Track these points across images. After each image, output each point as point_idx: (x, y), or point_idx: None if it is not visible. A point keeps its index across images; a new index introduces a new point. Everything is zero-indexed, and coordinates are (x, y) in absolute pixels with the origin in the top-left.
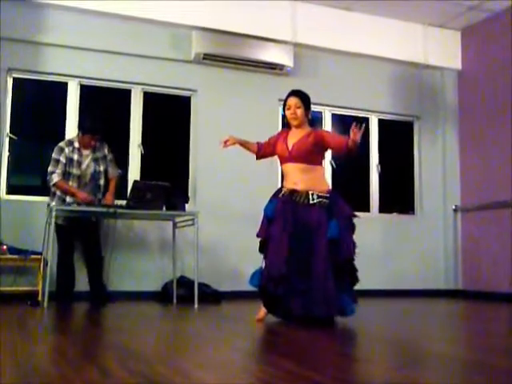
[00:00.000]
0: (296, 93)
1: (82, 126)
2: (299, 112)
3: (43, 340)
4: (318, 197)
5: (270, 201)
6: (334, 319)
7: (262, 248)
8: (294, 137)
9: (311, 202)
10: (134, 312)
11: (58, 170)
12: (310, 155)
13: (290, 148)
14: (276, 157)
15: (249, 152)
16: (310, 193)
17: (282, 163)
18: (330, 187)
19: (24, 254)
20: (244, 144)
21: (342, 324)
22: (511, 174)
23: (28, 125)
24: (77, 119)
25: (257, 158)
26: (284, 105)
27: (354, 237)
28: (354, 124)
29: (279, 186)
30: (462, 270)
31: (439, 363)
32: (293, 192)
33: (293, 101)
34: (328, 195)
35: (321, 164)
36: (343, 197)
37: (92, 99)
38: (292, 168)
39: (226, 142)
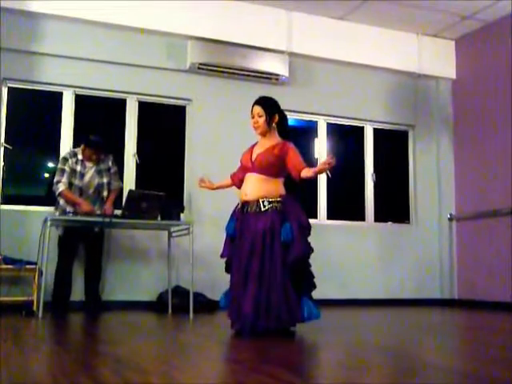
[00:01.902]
0: (259, 101)
1: (87, 139)
2: (261, 120)
3: (38, 350)
4: (270, 202)
5: (231, 218)
6: (295, 329)
7: (228, 268)
8: (260, 147)
9: (262, 209)
10: (129, 322)
11: (64, 180)
12: (273, 168)
13: (253, 158)
14: None
15: (230, 189)
16: (261, 200)
17: (245, 173)
18: (284, 193)
19: (19, 263)
20: (220, 186)
21: (338, 334)
22: (506, 183)
23: (23, 134)
24: (72, 129)
25: (239, 188)
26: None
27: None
28: (329, 157)
29: None
30: (457, 278)
31: (435, 373)
32: (244, 204)
33: (255, 109)
34: (280, 199)
35: (283, 177)
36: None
37: (87, 109)
38: (251, 178)
39: (201, 182)
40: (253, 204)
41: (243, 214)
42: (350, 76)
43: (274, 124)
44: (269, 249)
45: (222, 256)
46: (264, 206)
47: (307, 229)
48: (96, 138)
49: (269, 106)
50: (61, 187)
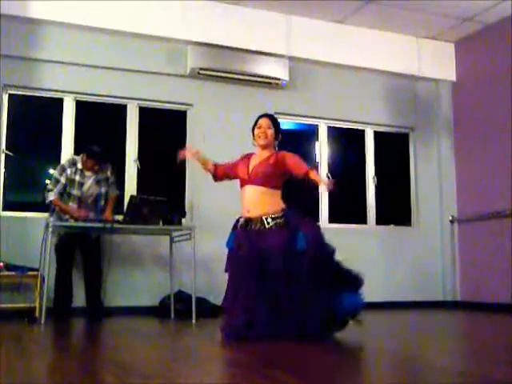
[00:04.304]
0: (267, 115)
1: (89, 150)
2: (269, 132)
3: (40, 356)
4: (273, 219)
5: (231, 233)
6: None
7: None
8: (257, 159)
9: (267, 226)
10: (132, 327)
11: (56, 190)
12: (270, 178)
13: (250, 170)
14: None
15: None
16: (264, 218)
17: (241, 186)
18: (284, 206)
19: (21, 270)
20: (203, 162)
21: (339, 336)
22: (507, 184)
23: (24, 141)
24: (73, 135)
25: (215, 179)
26: (254, 125)
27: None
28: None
29: None
30: (459, 280)
31: (437, 375)
32: (247, 221)
33: (265, 121)
34: (282, 214)
35: (279, 189)
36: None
37: (88, 115)
38: (249, 191)
39: (184, 153)
40: (256, 221)
41: (246, 231)
42: (350, 79)
43: (277, 141)
44: (286, 267)
45: (226, 271)
46: (268, 224)
47: (319, 228)
48: (97, 148)
49: (277, 122)
50: (50, 196)
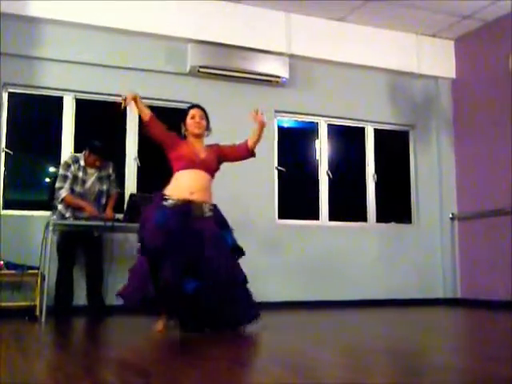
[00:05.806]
0: (200, 106)
1: (91, 144)
2: (204, 123)
3: (41, 355)
4: (209, 209)
5: (158, 208)
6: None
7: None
8: (201, 147)
9: (205, 215)
10: (131, 325)
11: (66, 186)
12: (214, 168)
13: (203, 156)
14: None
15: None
16: (204, 205)
17: (184, 168)
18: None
19: (21, 269)
20: (141, 109)
21: (341, 335)
22: (507, 182)
23: (24, 139)
24: (72, 133)
25: (146, 126)
26: (186, 114)
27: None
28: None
29: (276, 200)
30: (460, 278)
31: (442, 374)
32: (188, 202)
33: (198, 112)
34: (213, 206)
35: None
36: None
37: (87, 113)
38: (199, 174)
39: (125, 101)
40: (197, 207)
41: (184, 213)
42: (349, 77)
43: (207, 133)
44: (222, 252)
45: (154, 248)
46: (205, 213)
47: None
48: (99, 142)
49: (208, 115)
50: (63, 193)
